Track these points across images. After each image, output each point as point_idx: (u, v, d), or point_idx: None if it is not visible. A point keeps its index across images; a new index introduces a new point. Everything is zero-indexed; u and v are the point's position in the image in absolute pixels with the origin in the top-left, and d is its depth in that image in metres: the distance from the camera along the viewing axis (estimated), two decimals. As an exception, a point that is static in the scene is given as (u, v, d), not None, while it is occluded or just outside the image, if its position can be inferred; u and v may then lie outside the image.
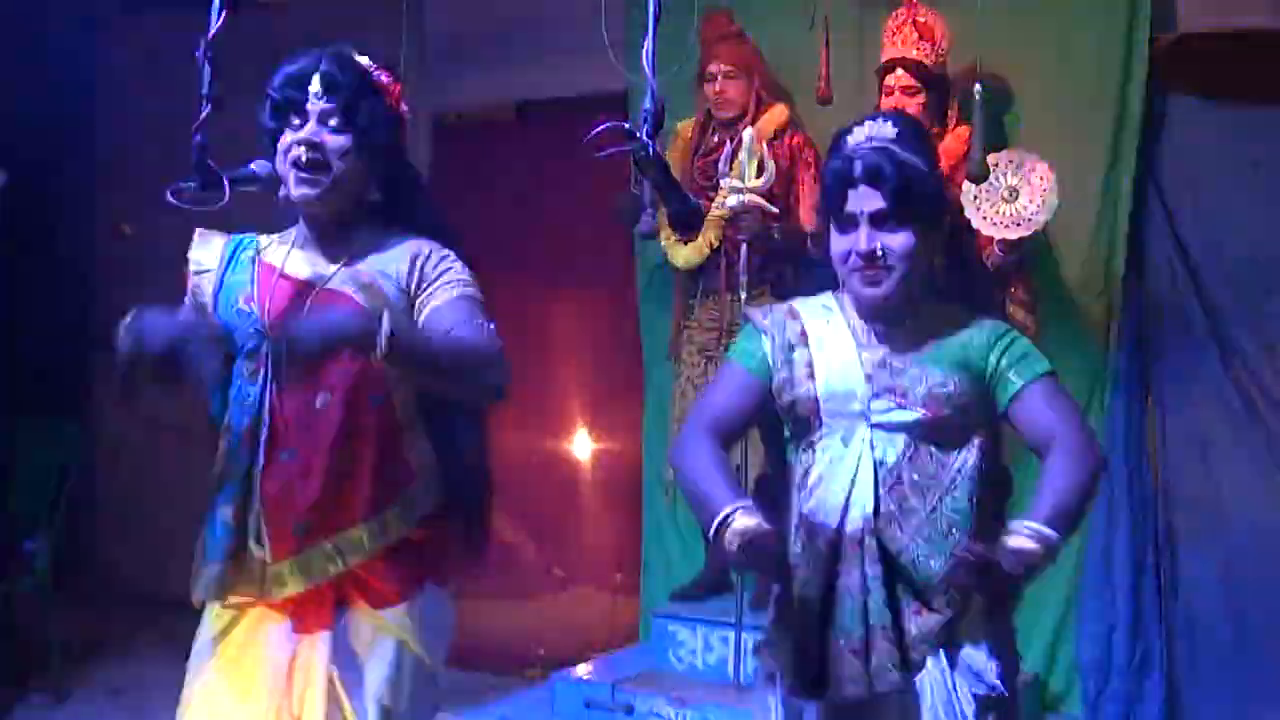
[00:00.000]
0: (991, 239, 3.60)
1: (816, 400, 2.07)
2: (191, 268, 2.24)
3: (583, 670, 4.07)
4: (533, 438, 5.22)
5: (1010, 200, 3.52)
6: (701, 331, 4.10)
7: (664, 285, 4.43)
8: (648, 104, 1.88)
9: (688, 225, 2.25)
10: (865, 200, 2.01)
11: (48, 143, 5.40)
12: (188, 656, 2.24)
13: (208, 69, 2.06)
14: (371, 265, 2.18)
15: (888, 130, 2.04)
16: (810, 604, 2.01)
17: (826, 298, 2.18)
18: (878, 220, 2.02)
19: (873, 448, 2.03)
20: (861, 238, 2.02)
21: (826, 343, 2.11)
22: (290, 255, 2.20)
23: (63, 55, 5.40)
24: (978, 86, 3.21)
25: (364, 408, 2.15)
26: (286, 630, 2.16)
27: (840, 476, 2.04)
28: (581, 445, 5.25)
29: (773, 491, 2.81)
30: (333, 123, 2.12)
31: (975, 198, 3.53)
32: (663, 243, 4.15)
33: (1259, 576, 3.76)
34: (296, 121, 2.13)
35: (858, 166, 2.02)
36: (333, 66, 2.14)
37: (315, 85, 2.12)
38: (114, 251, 5.86)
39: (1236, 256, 3.80)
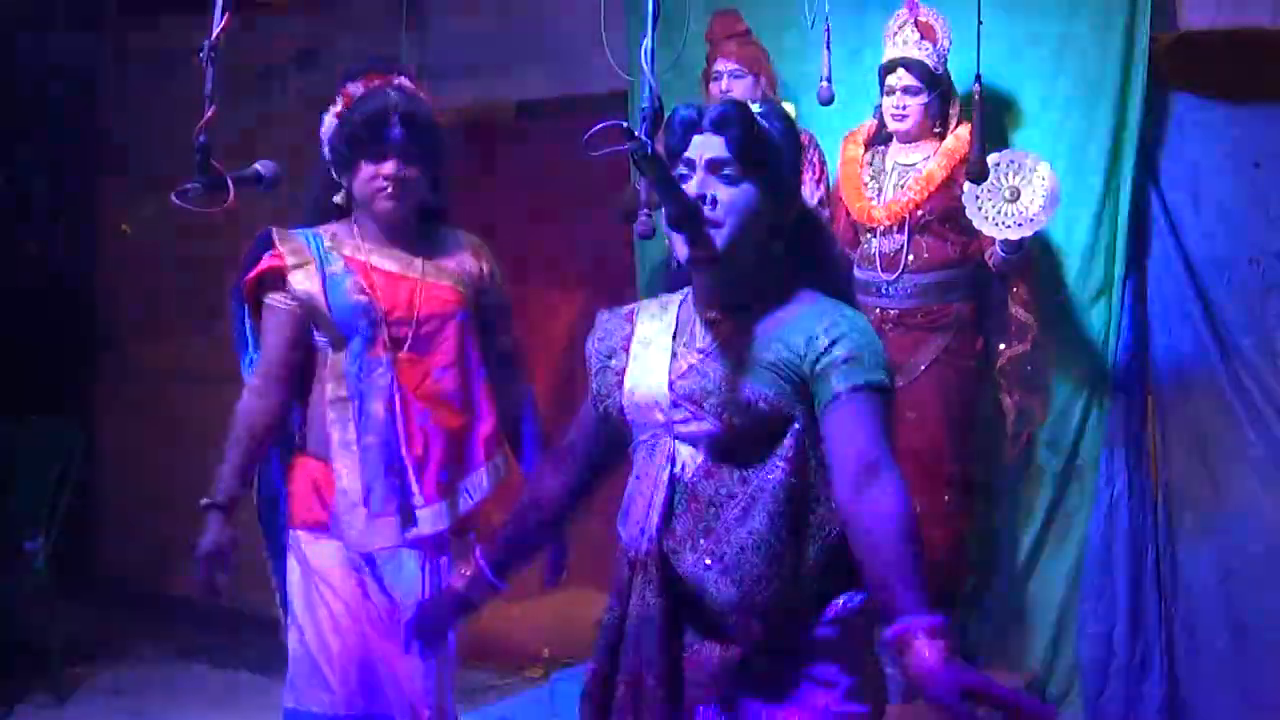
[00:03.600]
0: (993, 239, 3.61)
1: (623, 410, 1.94)
2: (290, 261, 2.63)
3: (583, 670, 4.06)
4: (533, 438, 5.20)
5: (1012, 200, 3.52)
6: (702, 331, 4.09)
7: (664, 285, 4.41)
8: (647, 103, 1.88)
9: (686, 225, 2.24)
10: (706, 147, 1.84)
11: (48, 143, 5.40)
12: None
13: (210, 70, 2.10)
14: (448, 257, 2.78)
15: (753, 106, 1.92)
16: (605, 631, 1.92)
17: (684, 292, 2.03)
18: (715, 168, 1.84)
19: (673, 462, 1.87)
20: (694, 183, 1.84)
21: (645, 347, 1.96)
22: (372, 252, 2.69)
23: (63, 55, 5.40)
24: (977, 86, 3.22)
25: (468, 374, 2.72)
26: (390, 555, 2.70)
27: (643, 493, 1.90)
28: (582, 445, 5.23)
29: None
30: (408, 155, 2.61)
31: (977, 198, 3.54)
32: (667, 240, 4.14)
33: (1259, 576, 3.75)
34: (375, 152, 2.59)
35: (707, 114, 1.86)
36: (406, 105, 2.61)
37: (394, 124, 2.58)
38: (114, 251, 5.86)
39: (1236, 256, 3.79)
